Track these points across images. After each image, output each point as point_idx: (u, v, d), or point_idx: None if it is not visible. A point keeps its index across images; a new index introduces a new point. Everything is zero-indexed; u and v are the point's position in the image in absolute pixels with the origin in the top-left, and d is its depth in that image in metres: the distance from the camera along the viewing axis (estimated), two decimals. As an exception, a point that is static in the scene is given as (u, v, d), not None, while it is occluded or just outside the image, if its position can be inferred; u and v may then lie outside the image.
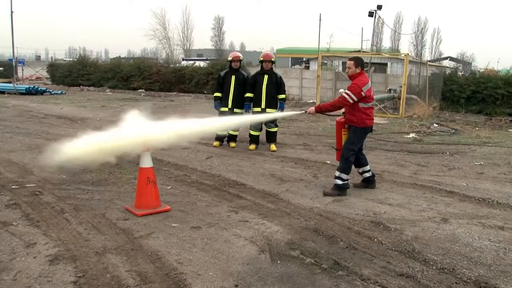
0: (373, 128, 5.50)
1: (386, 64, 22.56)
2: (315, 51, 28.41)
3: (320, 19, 27.17)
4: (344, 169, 5.25)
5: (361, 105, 5.19)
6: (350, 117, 5.28)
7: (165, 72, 25.10)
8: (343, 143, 5.38)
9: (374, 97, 5.94)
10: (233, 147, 8.15)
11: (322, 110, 5.39)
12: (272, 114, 7.42)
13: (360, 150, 5.45)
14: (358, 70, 5.24)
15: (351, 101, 5.13)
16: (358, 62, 5.29)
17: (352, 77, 5.29)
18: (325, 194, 5.24)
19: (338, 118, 5.52)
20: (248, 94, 7.91)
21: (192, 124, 4.94)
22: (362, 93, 5.11)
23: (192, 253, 3.52)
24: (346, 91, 5.17)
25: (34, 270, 3.16)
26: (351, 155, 5.27)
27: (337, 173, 5.27)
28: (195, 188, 5.45)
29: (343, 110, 5.44)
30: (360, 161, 5.49)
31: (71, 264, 3.26)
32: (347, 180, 5.30)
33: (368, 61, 18.47)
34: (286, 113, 8.16)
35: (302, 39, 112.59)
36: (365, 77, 5.26)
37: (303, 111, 5.53)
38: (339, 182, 5.23)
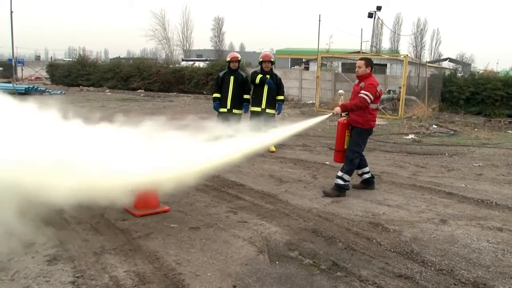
0: (373, 130, 5.50)
1: (385, 65, 22.54)
2: (314, 52, 28.45)
3: (319, 20, 27.26)
4: (348, 170, 5.24)
5: (371, 106, 5.18)
6: (356, 118, 5.21)
7: (165, 73, 25.07)
8: (345, 144, 5.34)
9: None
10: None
11: (347, 109, 5.21)
12: (306, 123, 5.89)
13: None
14: (368, 71, 5.22)
15: (369, 101, 5.10)
16: (369, 62, 5.28)
17: (361, 77, 5.25)
18: (325, 194, 5.24)
19: (340, 119, 5.43)
20: (247, 96, 8.00)
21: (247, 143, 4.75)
22: (377, 93, 5.12)
23: (190, 254, 3.52)
24: (364, 91, 5.10)
25: (32, 270, 3.15)
26: (356, 157, 5.25)
27: (340, 173, 5.27)
28: (194, 188, 5.42)
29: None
30: (360, 162, 5.47)
31: (69, 264, 3.26)
32: (348, 181, 5.30)
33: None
34: (317, 119, 6.36)
35: (301, 40, 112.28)
36: (375, 78, 5.26)
37: (331, 113, 5.42)
38: (340, 182, 5.23)
